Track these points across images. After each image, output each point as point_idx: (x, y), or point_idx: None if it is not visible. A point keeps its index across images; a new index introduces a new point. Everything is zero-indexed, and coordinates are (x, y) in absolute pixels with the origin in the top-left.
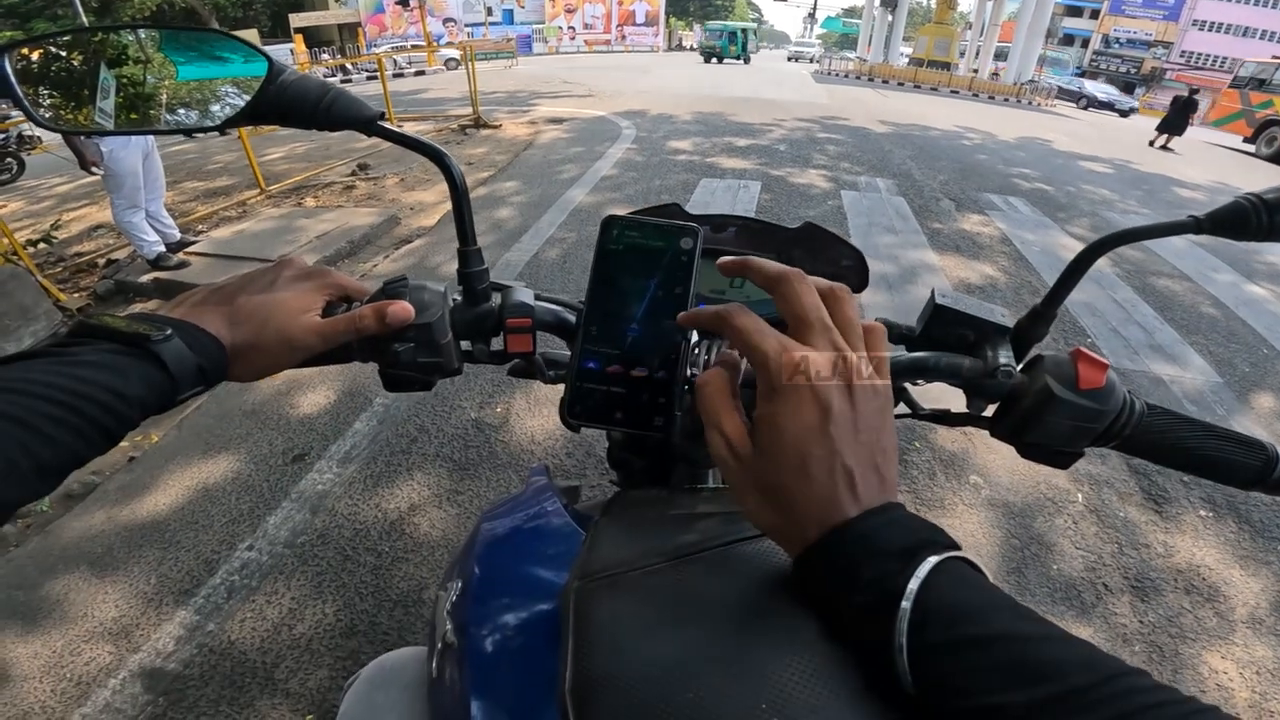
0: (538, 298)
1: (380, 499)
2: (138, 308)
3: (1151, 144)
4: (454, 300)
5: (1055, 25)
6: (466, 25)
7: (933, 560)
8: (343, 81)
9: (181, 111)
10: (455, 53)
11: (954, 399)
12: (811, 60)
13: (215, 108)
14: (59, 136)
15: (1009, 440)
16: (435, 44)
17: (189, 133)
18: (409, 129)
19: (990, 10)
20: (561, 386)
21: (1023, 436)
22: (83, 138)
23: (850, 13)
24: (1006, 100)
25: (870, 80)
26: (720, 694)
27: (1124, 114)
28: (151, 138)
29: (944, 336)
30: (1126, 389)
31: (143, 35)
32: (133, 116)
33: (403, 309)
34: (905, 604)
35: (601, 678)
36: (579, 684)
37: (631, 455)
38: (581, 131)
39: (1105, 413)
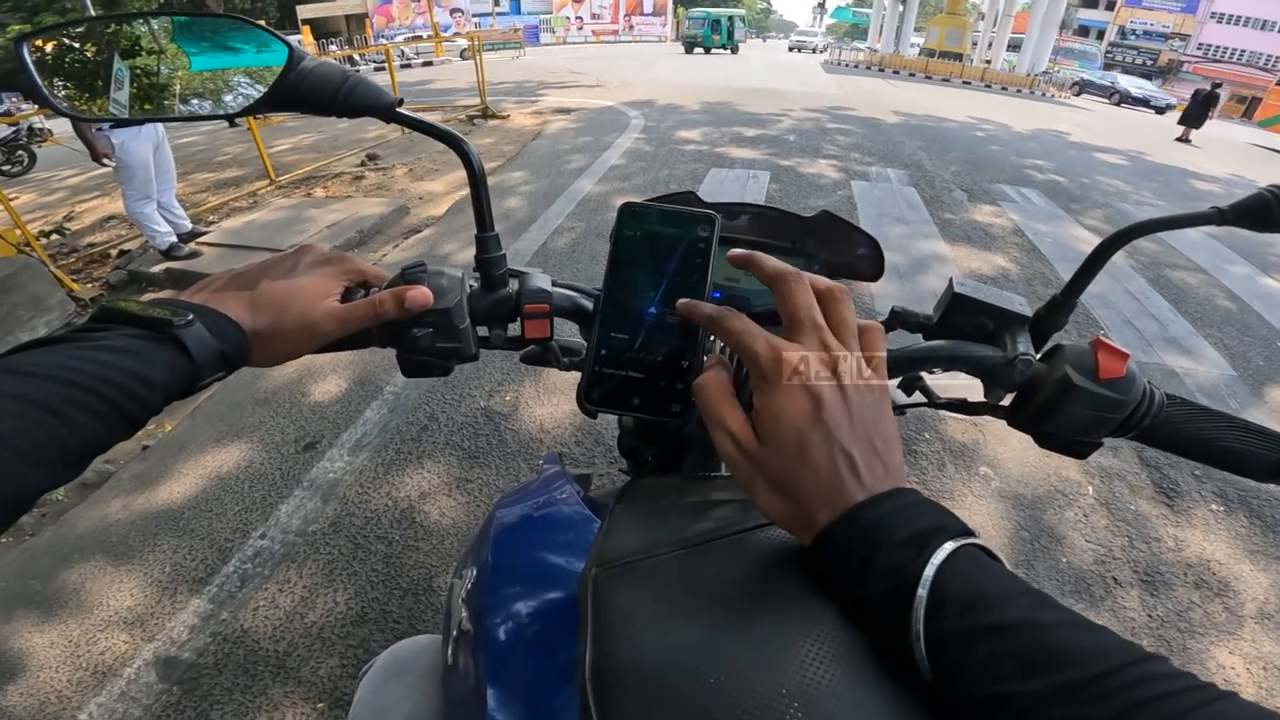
0: (555, 284)
1: (391, 487)
2: (150, 297)
3: (1179, 139)
4: (471, 286)
5: (1070, 16)
6: (474, 15)
7: (949, 547)
8: None
9: (196, 101)
10: (466, 43)
11: (971, 388)
12: (815, 51)
13: (232, 96)
14: (70, 129)
15: (1027, 429)
16: (443, 35)
17: (207, 119)
18: None
19: (1003, 1)
20: (574, 374)
21: (1041, 426)
22: (94, 129)
23: (860, 2)
24: (1020, 92)
25: (881, 71)
26: (740, 680)
27: (1160, 111)
28: (162, 130)
29: (962, 325)
30: (1146, 379)
31: (155, 25)
32: (147, 107)
33: (422, 294)
34: (921, 591)
35: (622, 664)
36: (599, 670)
37: (643, 443)
38: (589, 121)
39: (1125, 403)
